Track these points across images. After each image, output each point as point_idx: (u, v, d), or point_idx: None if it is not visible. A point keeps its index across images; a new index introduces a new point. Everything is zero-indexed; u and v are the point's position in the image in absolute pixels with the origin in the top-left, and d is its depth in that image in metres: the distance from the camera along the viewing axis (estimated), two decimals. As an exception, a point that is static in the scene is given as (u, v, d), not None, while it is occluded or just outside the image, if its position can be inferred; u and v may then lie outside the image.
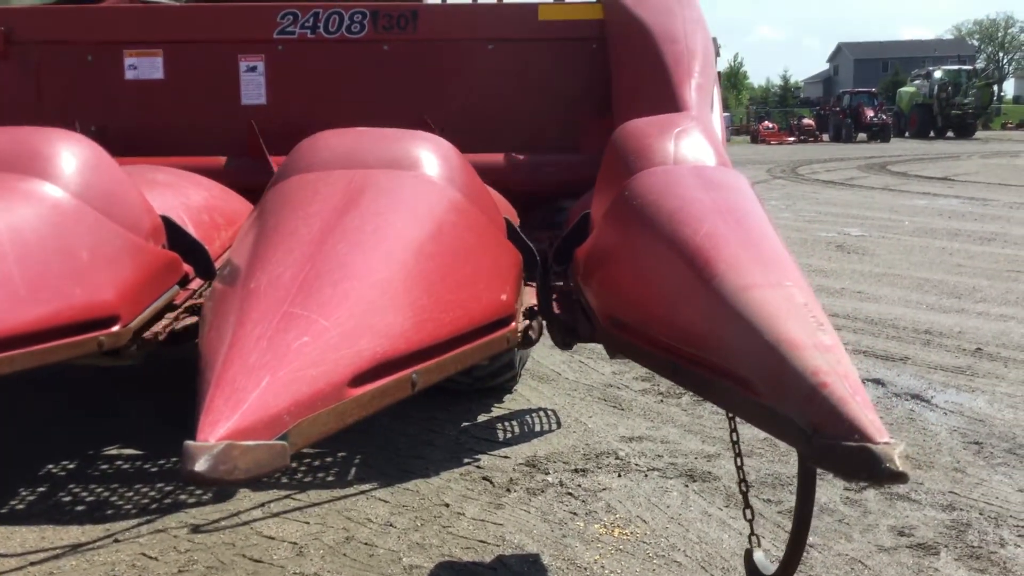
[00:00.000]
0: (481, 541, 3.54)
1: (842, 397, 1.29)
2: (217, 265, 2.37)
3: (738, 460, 2.70)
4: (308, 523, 3.71)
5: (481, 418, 4.97)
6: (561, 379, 5.71)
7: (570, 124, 3.82)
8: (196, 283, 2.42)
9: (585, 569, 3.31)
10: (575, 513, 3.76)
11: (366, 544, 3.53)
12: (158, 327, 2.11)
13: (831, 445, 1.27)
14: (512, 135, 3.78)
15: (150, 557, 3.45)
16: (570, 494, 3.95)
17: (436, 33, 3.87)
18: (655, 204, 1.80)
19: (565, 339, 2.26)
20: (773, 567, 2.45)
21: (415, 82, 3.86)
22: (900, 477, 1.25)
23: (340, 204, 1.73)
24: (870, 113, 46.94)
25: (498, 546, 3.50)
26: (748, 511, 2.64)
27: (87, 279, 1.84)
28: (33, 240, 1.78)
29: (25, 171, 1.95)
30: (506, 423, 4.89)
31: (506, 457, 4.39)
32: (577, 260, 2.25)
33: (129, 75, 3.87)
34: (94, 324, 1.85)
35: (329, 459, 4.40)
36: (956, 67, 52.31)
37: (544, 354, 6.12)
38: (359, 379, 1.42)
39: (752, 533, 2.65)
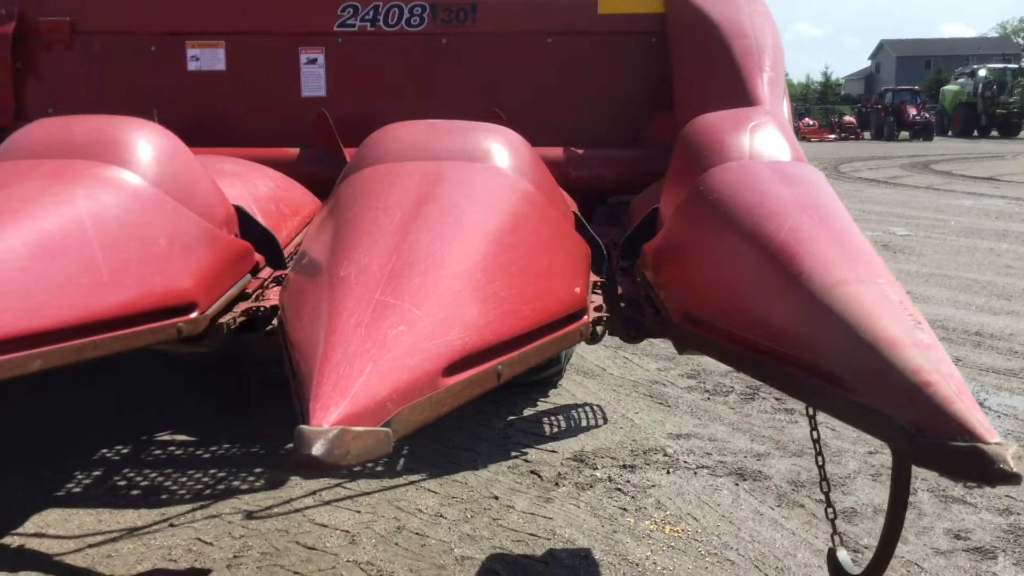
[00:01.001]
0: (531, 534, 3.54)
1: (947, 396, 1.27)
2: (287, 254, 2.40)
3: (819, 459, 2.64)
4: (359, 512, 3.74)
5: (527, 412, 4.98)
6: (606, 375, 5.69)
7: (628, 118, 3.81)
8: (265, 272, 2.44)
9: (637, 565, 3.30)
10: (625, 509, 3.76)
11: (417, 534, 3.55)
12: (232, 315, 2.14)
13: (938, 445, 1.24)
14: (569, 128, 3.78)
15: (205, 542, 3.49)
16: (619, 490, 3.94)
17: (495, 26, 3.87)
18: (732, 199, 1.78)
19: (630, 334, 2.26)
20: (857, 567, 2.41)
21: (473, 75, 3.87)
22: (1013, 478, 1.23)
23: (417, 195, 1.73)
24: (913, 111, 46.28)
25: (549, 540, 3.50)
26: (830, 510, 2.60)
27: (167, 266, 1.86)
28: (115, 227, 1.80)
29: (105, 159, 1.98)
30: (552, 418, 4.89)
31: (553, 451, 4.39)
32: (646, 255, 2.24)
33: (191, 66, 3.91)
34: (173, 311, 1.88)
35: (378, 449, 4.42)
36: (1001, 65, 51.35)
37: (588, 349, 6.11)
38: (451, 369, 1.43)
39: (835, 532, 2.60)
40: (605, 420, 4.84)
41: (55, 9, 3.87)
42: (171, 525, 3.63)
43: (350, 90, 3.91)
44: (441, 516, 3.70)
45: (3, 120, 3.83)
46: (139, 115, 3.30)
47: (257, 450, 4.44)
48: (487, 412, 4.93)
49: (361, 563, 3.33)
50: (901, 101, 47.69)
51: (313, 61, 3.90)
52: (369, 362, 1.30)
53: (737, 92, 2.73)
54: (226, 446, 4.48)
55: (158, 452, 4.41)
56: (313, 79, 3.90)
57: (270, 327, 2.15)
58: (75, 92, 3.89)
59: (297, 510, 3.79)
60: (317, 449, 1.21)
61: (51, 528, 3.61)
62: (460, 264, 1.55)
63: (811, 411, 2.49)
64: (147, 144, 2.08)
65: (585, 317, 1.90)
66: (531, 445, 4.48)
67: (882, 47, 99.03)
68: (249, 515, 3.73)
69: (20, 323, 1.55)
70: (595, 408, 5.04)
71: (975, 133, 48.28)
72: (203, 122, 3.51)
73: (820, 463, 2.66)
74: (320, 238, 1.77)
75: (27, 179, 1.86)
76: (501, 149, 2.05)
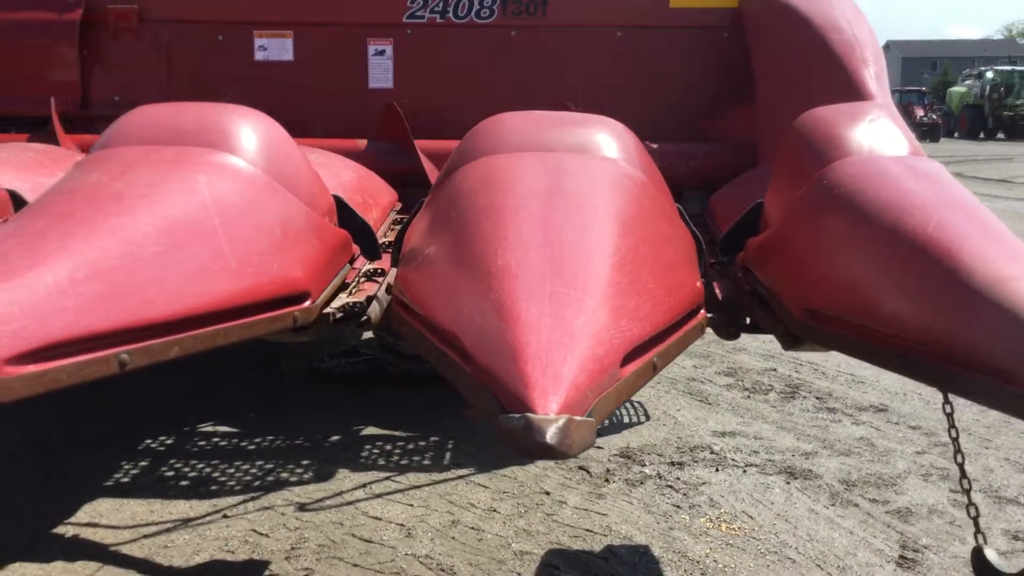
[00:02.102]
0: (587, 530, 3.53)
1: None
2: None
3: (959, 457, 2.56)
4: (412, 505, 3.72)
5: (568, 408, 4.96)
6: (642, 371, 5.68)
7: (697, 113, 3.79)
8: (359, 263, 2.43)
9: (697, 563, 3.29)
10: (678, 506, 3.74)
11: (473, 528, 3.53)
12: (335, 305, 2.12)
13: None
14: (637, 123, 3.75)
15: (261, 534, 3.48)
16: (670, 487, 3.93)
17: (565, 19, 3.85)
18: (864, 193, 1.77)
19: (730, 330, 2.24)
20: (1008, 565, 2.35)
21: (542, 68, 3.84)
22: None
23: (546, 187, 1.72)
24: (920, 112, 46.10)
25: (605, 536, 3.49)
26: (972, 508, 2.54)
27: (283, 255, 1.85)
28: (236, 214, 1.79)
29: (218, 146, 1.96)
30: (594, 413, 4.88)
31: (600, 447, 4.38)
32: (753, 250, 2.22)
33: (259, 56, 3.89)
34: (289, 300, 1.86)
35: (423, 443, 4.42)
36: (1008, 68, 51.24)
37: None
38: (625, 360, 1.42)
39: (977, 531, 2.54)
40: (647, 417, 4.83)
41: None
42: (224, 516, 3.62)
43: (417, 82, 3.89)
44: (494, 511, 3.69)
45: (70, 108, 3.81)
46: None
47: (302, 442, 4.43)
48: (528, 407, 4.92)
49: (420, 556, 3.32)
50: (908, 102, 47.54)
51: (381, 53, 3.88)
52: (567, 352, 1.29)
53: (842, 87, 2.70)
54: (270, 438, 4.47)
55: (202, 443, 4.40)
56: (380, 71, 3.88)
57: (365, 318, 2.14)
58: (141, 81, 3.87)
59: (349, 503, 3.77)
60: (551, 438, 1.22)
61: (104, 518, 3.60)
62: (611, 255, 1.53)
63: (948, 410, 2.43)
64: (256, 132, 2.07)
65: (703, 311, 1.89)
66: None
67: (888, 47, 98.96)
68: (302, 507, 3.71)
69: (160, 309, 1.53)
70: (636, 405, 5.02)
71: (981, 135, 48.18)
72: (269, 113, 3.49)
73: (960, 461, 2.58)
74: (447, 228, 1.75)
75: (146, 165, 1.84)
76: (613, 140, 2.03)
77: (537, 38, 3.87)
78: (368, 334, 5.34)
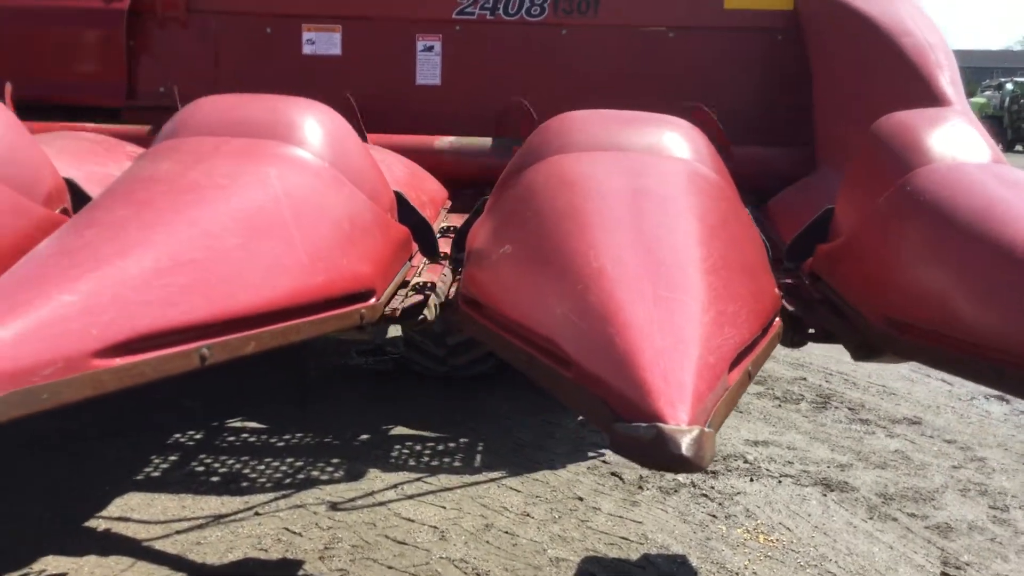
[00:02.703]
0: (623, 538, 3.49)
1: None
2: None
3: None
4: (444, 508, 3.69)
5: (597, 412, 4.92)
6: (670, 377, 5.63)
7: (750, 116, 3.73)
8: (416, 260, 2.39)
9: (736, 574, 3.24)
10: (714, 516, 3.70)
11: (507, 533, 3.49)
12: (395, 303, 2.08)
13: None
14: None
15: (294, 532, 3.45)
16: (705, 496, 3.88)
17: (616, 18, 3.81)
18: (951, 201, 1.72)
19: (796, 338, 2.19)
20: None
21: (592, 67, 3.80)
22: None
23: (627, 187, 1.68)
24: (939, 123, 45.79)
25: (642, 544, 3.45)
26: None
27: (351, 250, 1.81)
28: (306, 208, 1.75)
29: (286, 139, 1.93)
30: (624, 419, 4.83)
31: (631, 453, 4.33)
32: (824, 257, 2.17)
33: (307, 49, 3.86)
34: (357, 296, 1.83)
35: (452, 445, 4.38)
36: (1029, 79, 50.86)
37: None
38: (731, 367, 1.38)
39: None
40: (678, 424, 4.77)
41: None
42: (256, 514, 3.59)
43: (465, 79, 3.85)
44: (528, 515, 3.65)
45: (115, 100, 3.78)
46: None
47: (331, 440, 4.40)
48: (557, 411, 4.88)
49: (454, 560, 3.29)
50: (926, 112, 47.21)
51: (430, 48, 3.84)
52: (683, 358, 1.25)
53: (915, 92, 2.65)
54: (299, 435, 4.44)
55: (232, 439, 4.38)
56: (429, 67, 3.84)
57: (421, 316, 2.10)
58: (188, 72, 3.83)
59: (381, 503, 3.74)
60: (687, 450, 1.18)
61: (135, 512, 3.58)
62: (705, 259, 1.50)
63: None
64: (322, 125, 2.04)
65: (778, 319, 1.84)
66: (606, 446, 4.42)
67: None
68: (333, 506, 3.68)
69: (239, 303, 1.50)
70: (666, 411, 4.97)
71: (1000, 147, 47.82)
72: None
73: None
74: (524, 229, 1.70)
75: (218, 156, 1.81)
76: (686, 141, 1.99)
77: (588, 37, 3.82)
78: (395, 330, 5.29)
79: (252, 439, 4.38)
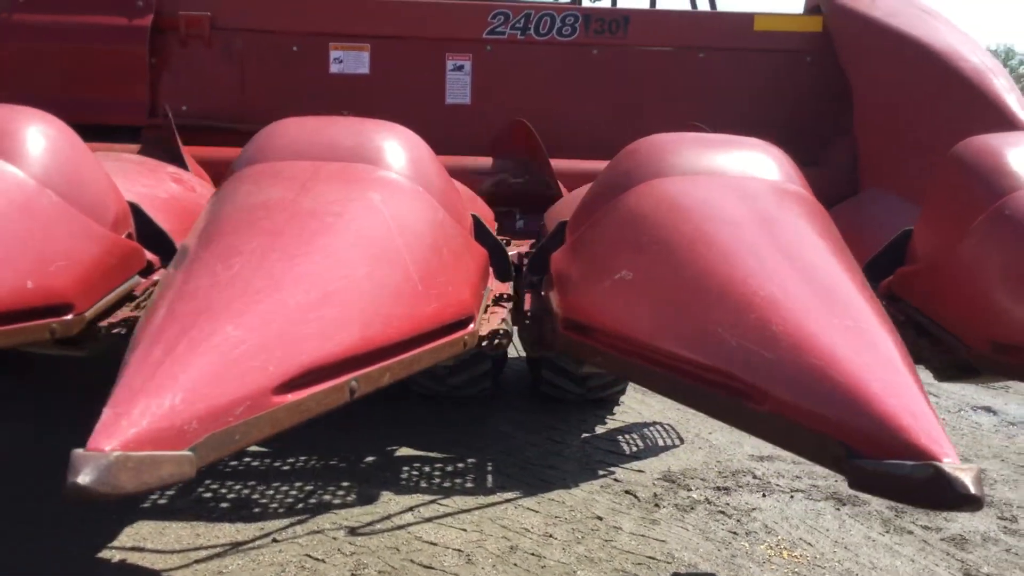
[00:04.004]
0: (650, 557, 3.47)
1: None
2: None
3: None
4: (465, 530, 3.64)
5: (600, 430, 4.92)
6: (664, 393, 5.66)
7: (779, 138, 3.76)
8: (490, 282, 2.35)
9: (768, 591, 3.25)
10: (735, 533, 3.71)
11: (533, 555, 3.46)
12: (483, 328, 2.04)
13: None
14: None
15: (316, 559, 3.37)
16: (722, 512, 3.89)
17: (647, 39, 3.83)
18: None
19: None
20: None
21: (623, 87, 3.81)
22: None
23: (752, 213, 1.67)
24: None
25: (669, 563, 3.44)
26: None
27: (451, 275, 1.76)
28: (412, 234, 1.71)
29: (373, 162, 1.89)
30: (628, 436, 4.84)
31: (640, 471, 4.34)
32: (905, 279, 2.19)
33: (334, 68, 3.79)
34: (460, 324, 1.79)
35: (461, 465, 4.34)
36: None
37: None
38: None
39: None
40: (681, 440, 4.80)
41: (194, 3, 3.73)
42: (275, 540, 3.50)
43: (494, 98, 3.83)
44: (551, 536, 3.62)
45: (136, 119, 3.67)
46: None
47: (336, 463, 4.32)
48: (559, 429, 4.87)
49: (485, 584, 3.24)
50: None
51: (459, 68, 3.81)
52: (912, 392, 1.25)
53: (983, 116, 2.68)
54: (303, 458, 4.35)
55: (235, 463, 4.27)
56: (458, 86, 3.81)
57: (498, 341, 2.06)
58: (211, 90, 3.74)
59: (400, 527, 3.68)
60: (975, 489, 1.17)
61: (148, 542, 3.46)
62: (861, 286, 1.49)
63: None
64: (409, 147, 2.00)
65: None
66: (615, 464, 4.41)
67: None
68: (352, 531, 3.61)
69: (376, 334, 1.46)
70: (667, 427, 5.00)
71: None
72: None
73: None
74: (642, 255, 1.68)
75: (320, 181, 1.76)
76: (777, 163, 1.99)
77: (618, 57, 3.83)
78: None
79: (256, 463, 4.28)
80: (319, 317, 1.38)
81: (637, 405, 5.37)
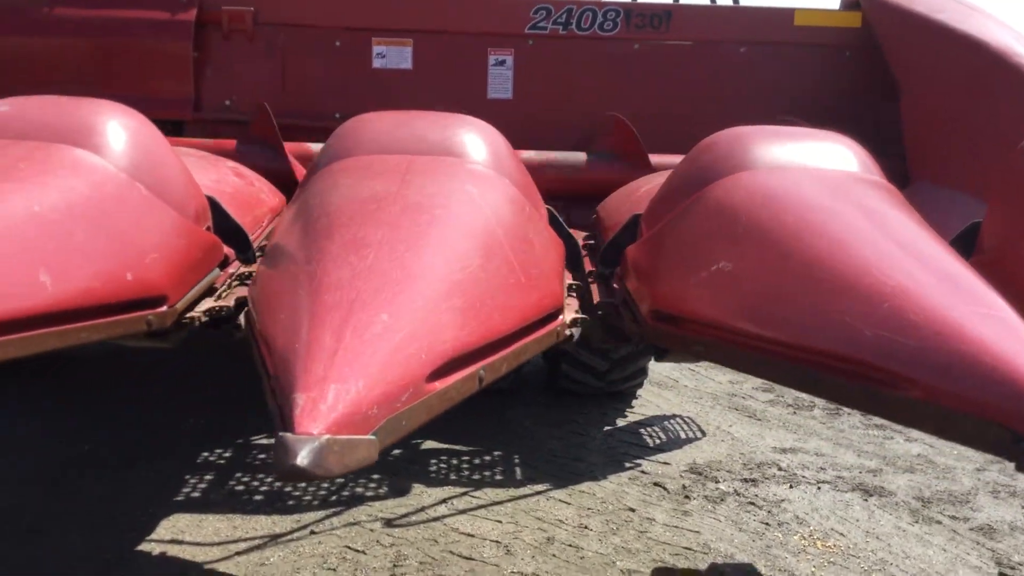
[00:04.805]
0: (686, 548, 3.50)
1: None
2: None
3: None
4: (500, 522, 3.66)
5: (621, 423, 4.95)
6: (680, 386, 5.70)
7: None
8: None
9: (807, 580, 3.29)
10: (767, 523, 3.74)
11: (570, 546, 3.48)
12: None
13: None
14: None
15: (357, 550, 3.38)
16: (752, 504, 3.93)
17: (688, 34, 3.84)
18: None
19: None
20: None
21: (663, 82, 3.82)
22: None
23: (849, 203, 1.69)
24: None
25: (706, 553, 3.47)
26: None
27: (545, 266, 1.78)
28: (510, 225, 1.73)
29: (461, 155, 1.91)
30: (649, 429, 4.87)
31: (666, 463, 4.37)
32: (977, 268, 2.21)
33: (376, 63, 3.79)
34: (555, 315, 1.80)
35: (488, 458, 4.36)
36: None
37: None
38: None
39: None
40: (703, 433, 4.83)
41: None
42: (312, 532, 3.51)
43: (536, 93, 3.84)
44: (586, 527, 3.64)
45: (182, 113, 3.65)
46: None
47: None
48: (580, 422, 4.89)
49: (526, 574, 3.26)
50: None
51: (501, 63, 3.81)
52: None
53: None
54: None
55: (263, 456, 4.27)
56: (500, 81, 3.81)
57: (569, 333, 2.08)
58: (254, 85, 3.73)
59: (435, 519, 3.69)
60: None
61: (186, 534, 3.46)
62: (973, 272, 1.52)
63: None
64: (489, 139, 2.02)
65: None
66: (641, 456, 4.44)
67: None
68: (388, 523, 3.62)
69: (497, 324, 1.47)
70: (687, 420, 5.03)
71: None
72: None
73: None
74: (743, 244, 1.69)
75: (417, 175, 1.77)
76: (861, 157, 2.02)
77: (660, 52, 3.85)
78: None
79: (284, 456, 4.28)
80: (451, 307, 1.39)
81: (654, 398, 5.41)
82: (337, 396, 1.18)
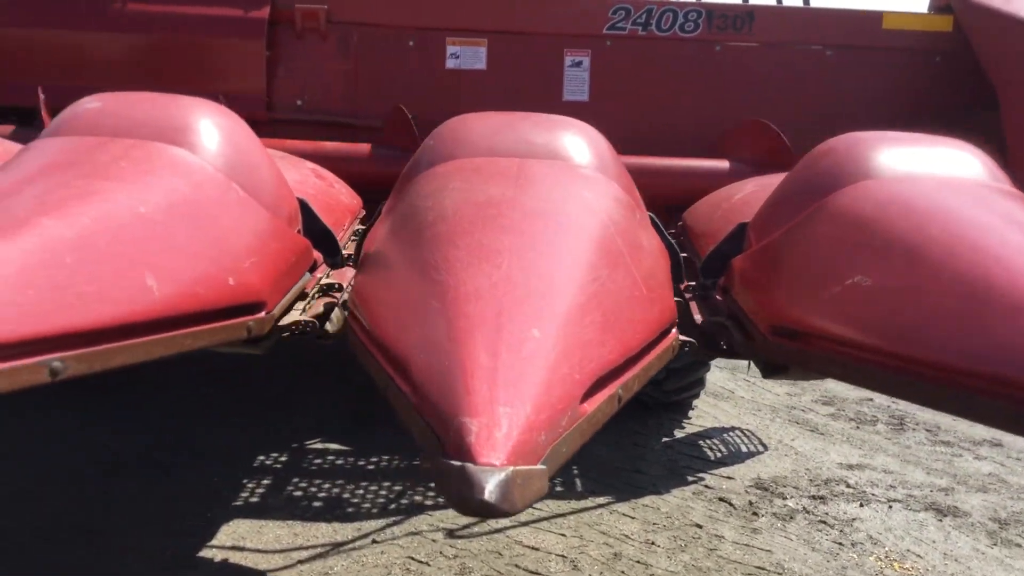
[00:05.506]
0: (759, 567, 3.39)
1: None
2: None
3: None
4: (565, 535, 3.57)
5: (679, 434, 4.84)
6: (736, 397, 5.57)
7: None
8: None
9: (887, 604, 3.17)
10: (840, 543, 3.62)
11: (639, 563, 3.38)
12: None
13: None
14: None
15: (420, 561, 3.30)
16: (823, 522, 3.80)
17: (772, 36, 3.73)
18: None
19: None
20: None
21: (746, 85, 3.72)
22: None
23: (998, 217, 1.59)
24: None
25: (779, 574, 3.36)
26: None
27: (660, 276, 1.70)
28: (627, 234, 1.64)
29: (573, 158, 1.83)
30: (709, 441, 4.76)
31: (730, 478, 4.25)
32: None
33: (450, 64, 3.72)
34: (669, 328, 1.71)
35: (547, 468, 4.26)
36: None
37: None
38: None
39: None
40: (765, 447, 4.71)
41: None
42: (374, 542, 3.44)
43: (613, 95, 3.74)
44: (653, 543, 3.54)
45: (254, 112, 3.59)
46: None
47: (419, 463, 4.25)
48: (640, 433, 4.79)
49: (596, 591, 3.17)
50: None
51: (578, 64, 3.72)
52: None
53: None
54: (385, 457, 4.29)
55: (319, 462, 4.21)
56: (576, 83, 3.73)
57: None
58: (326, 84, 3.68)
59: (497, 530, 3.61)
60: None
61: (247, 541, 3.40)
62: None
63: None
64: (597, 143, 1.95)
65: None
66: (703, 470, 4.33)
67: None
68: (450, 533, 3.54)
69: (630, 338, 1.38)
70: (747, 433, 4.91)
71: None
72: None
73: None
74: (884, 256, 1.59)
75: (527, 179, 1.69)
76: (982, 163, 1.91)
77: (742, 54, 3.74)
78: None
79: (340, 461, 4.22)
80: (592, 322, 1.30)
81: (711, 409, 5.29)
82: (511, 422, 1.09)
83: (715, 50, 3.74)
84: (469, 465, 1.05)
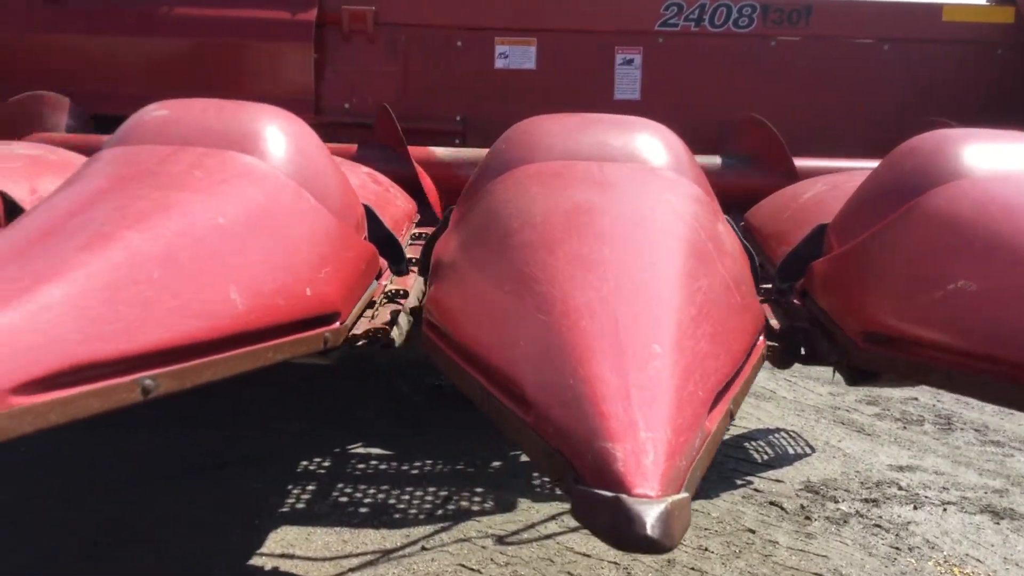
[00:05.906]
0: (817, 574, 3.33)
1: None
2: None
3: None
4: (616, 541, 3.51)
5: (723, 436, 4.77)
6: (778, 398, 5.50)
7: None
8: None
9: (951, 612, 3.10)
10: (897, 548, 3.55)
11: (693, 569, 3.32)
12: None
13: None
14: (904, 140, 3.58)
15: (472, 569, 3.26)
16: (878, 526, 3.73)
17: (829, 29, 3.66)
18: None
19: None
20: None
21: (803, 80, 3.65)
22: None
23: None
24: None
25: (838, 580, 3.29)
26: None
27: (744, 286, 1.64)
28: (721, 240, 1.59)
29: (652, 161, 1.77)
30: (755, 442, 4.69)
31: (779, 481, 4.18)
32: None
33: (499, 64, 3.67)
34: (758, 335, 1.66)
35: (592, 471, 4.21)
36: None
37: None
38: None
39: None
40: (812, 448, 4.64)
41: None
42: (424, 548, 3.40)
43: (665, 93, 3.68)
44: (706, 550, 3.48)
45: (302, 115, 3.56)
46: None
47: (463, 468, 4.21)
48: (683, 434, 4.72)
49: (652, 600, 3.11)
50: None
51: (629, 62, 3.67)
52: None
53: None
54: (429, 462, 4.25)
55: (362, 467, 4.18)
56: (628, 81, 3.67)
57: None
58: (374, 86, 3.64)
59: (546, 536, 3.56)
60: None
61: (296, 548, 3.37)
62: None
63: None
64: (675, 144, 1.89)
65: None
66: (751, 473, 4.27)
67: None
68: (499, 540, 3.50)
69: (736, 351, 1.33)
70: (792, 434, 4.84)
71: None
72: (508, 125, 3.30)
73: None
74: (986, 260, 1.53)
75: (610, 183, 1.64)
76: None
77: (798, 49, 3.67)
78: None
79: (384, 467, 4.18)
80: (705, 334, 1.25)
81: (754, 410, 5.22)
82: (655, 448, 1.03)
83: (770, 45, 3.67)
84: (625, 497, 1.00)
